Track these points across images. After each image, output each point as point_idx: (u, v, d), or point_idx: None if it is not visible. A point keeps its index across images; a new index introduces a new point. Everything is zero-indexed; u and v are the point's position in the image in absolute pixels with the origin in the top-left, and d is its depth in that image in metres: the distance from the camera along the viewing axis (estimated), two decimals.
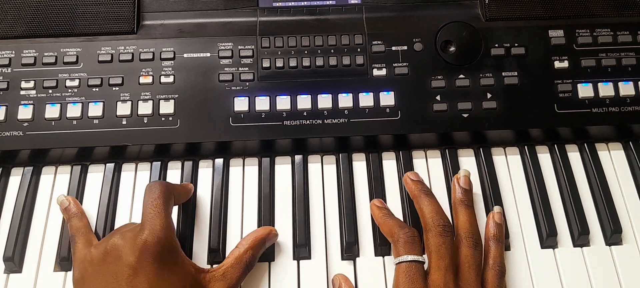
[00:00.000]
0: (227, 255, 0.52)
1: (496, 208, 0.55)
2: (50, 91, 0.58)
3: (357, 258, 0.54)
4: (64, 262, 0.54)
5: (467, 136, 0.60)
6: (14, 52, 0.59)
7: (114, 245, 0.46)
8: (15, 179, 0.58)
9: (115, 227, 0.55)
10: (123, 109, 0.57)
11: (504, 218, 0.55)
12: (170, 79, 0.59)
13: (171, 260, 0.46)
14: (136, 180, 0.58)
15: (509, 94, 0.59)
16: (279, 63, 0.59)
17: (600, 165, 0.59)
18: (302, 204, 0.56)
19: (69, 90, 0.58)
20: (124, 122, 0.57)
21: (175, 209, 0.54)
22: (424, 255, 0.50)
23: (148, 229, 0.46)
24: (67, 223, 0.54)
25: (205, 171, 0.59)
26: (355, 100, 0.58)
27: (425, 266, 0.50)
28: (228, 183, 0.58)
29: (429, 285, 0.48)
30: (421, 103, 0.59)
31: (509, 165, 0.60)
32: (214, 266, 0.50)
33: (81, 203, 0.57)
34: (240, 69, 0.59)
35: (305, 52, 0.60)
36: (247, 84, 0.59)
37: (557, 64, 0.60)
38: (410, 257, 0.48)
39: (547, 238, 0.55)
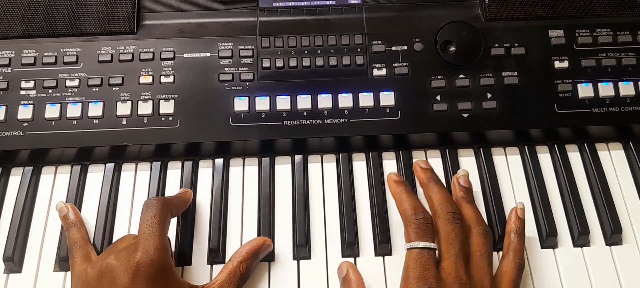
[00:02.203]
0: (226, 258, 0.52)
1: (520, 204, 0.55)
2: (50, 91, 0.58)
3: (357, 258, 0.54)
4: (63, 262, 0.54)
5: (467, 136, 0.60)
6: (14, 52, 0.59)
7: (109, 266, 0.46)
8: (15, 179, 0.58)
9: (115, 228, 0.56)
10: (123, 108, 0.57)
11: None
12: (170, 79, 0.59)
13: (165, 280, 0.46)
14: (136, 180, 0.58)
15: (509, 94, 0.59)
16: (279, 63, 0.59)
17: (600, 165, 0.59)
18: (302, 204, 0.56)
19: (69, 90, 0.58)
20: (124, 122, 0.57)
21: None
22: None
23: (141, 250, 0.46)
24: (65, 232, 0.54)
25: (205, 171, 0.59)
26: (355, 100, 0.58)
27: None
28: (228, 183, 0.58)
29: (440, 273, 0.48)
30: (421, 103, 0.59)
31: (509, 165, 0.60)
32: (208, 282, 0.50)
33: (81, 203, 0.57)
34: (240, 69, 0.59)
35: (305, 52, 0.60)
36: (247, 84, 0.59)
37: (557, 64, 0.60)
38: (422, 244, 0.48)
39: (547, 238, 0.55)
